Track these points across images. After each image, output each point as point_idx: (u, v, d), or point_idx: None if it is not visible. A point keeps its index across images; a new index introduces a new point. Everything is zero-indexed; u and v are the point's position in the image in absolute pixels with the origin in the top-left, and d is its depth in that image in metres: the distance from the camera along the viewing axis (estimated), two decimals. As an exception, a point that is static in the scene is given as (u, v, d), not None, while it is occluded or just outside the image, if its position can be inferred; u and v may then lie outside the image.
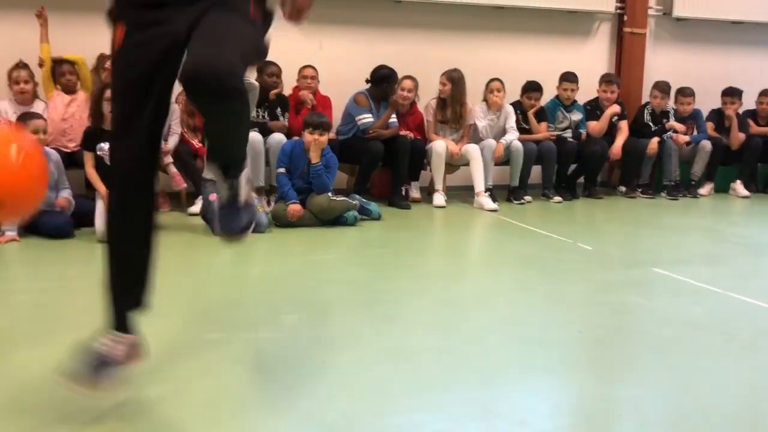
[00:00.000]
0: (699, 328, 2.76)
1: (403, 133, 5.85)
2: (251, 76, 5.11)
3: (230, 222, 1.90)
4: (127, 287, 1.95)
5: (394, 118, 5.83)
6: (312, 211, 4.78)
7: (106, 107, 4.42)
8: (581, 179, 6.54)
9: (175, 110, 5.47)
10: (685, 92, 6.71)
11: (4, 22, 5.48)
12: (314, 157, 4.75)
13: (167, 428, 1.87)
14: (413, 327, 2.72)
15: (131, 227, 1.92)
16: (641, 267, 3.80)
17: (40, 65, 5.13)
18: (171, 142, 5.22)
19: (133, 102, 1.81)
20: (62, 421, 1.87)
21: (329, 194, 4.86)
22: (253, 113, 4.99)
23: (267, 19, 1.92)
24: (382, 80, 5.80)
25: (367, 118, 5.70)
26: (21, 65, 5.05)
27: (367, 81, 5.85)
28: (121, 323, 1.96)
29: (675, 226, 5.19)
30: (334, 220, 4.82)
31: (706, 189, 6.68)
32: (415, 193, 6.04)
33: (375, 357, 2.38)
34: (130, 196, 1.90)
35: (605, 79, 6.62)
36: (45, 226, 4.29)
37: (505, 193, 6.12)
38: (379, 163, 5.68)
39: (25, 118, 4.38)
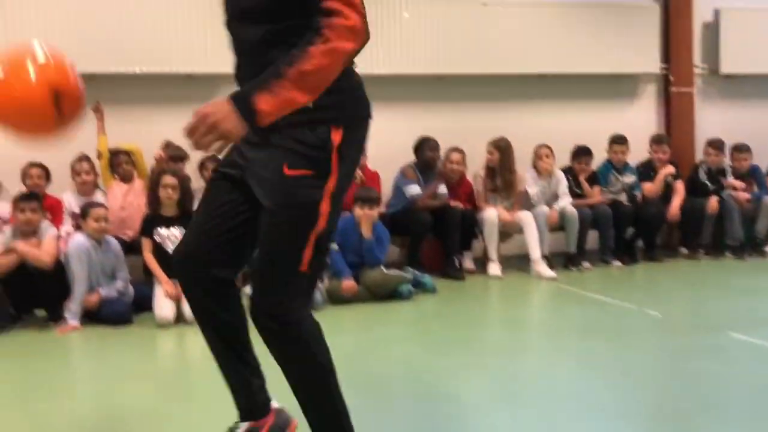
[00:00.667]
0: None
1: (453, 203, 5.84)
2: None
3: None
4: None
5: (443, 189, 5.84)
6: (366, 285, 4.74)
7: (163, 193, 4.52)
8: (640, 243, 6.37)
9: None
10: (740, 149, 6.55)
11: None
12: (366, 232, 4.75)
13: None
14: (477, 404, 2.60)
15: None
16: (715, 332, 3.61)
17: (99, 157, 5.32)
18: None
19: None
20: None
21: (382, 268, 4.83)
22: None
23: (315, 156, 1.69)
24: (418, 148, 5.88)
25: (414, 189, 5.73)
26: (83, 158, 5.25)
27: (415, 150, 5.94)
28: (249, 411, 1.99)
29: (746, 288, 4.96)
30: (389, 294, 4.76)
31: (773, 247, 6.42)
32: (468, 264, 5.96)
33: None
34: None
35: (655, 140, 6.53)
36: (105, 314, 4.36)
37: (562, 260, 5.98)
38: (428, 233, 5.65)
39: (87, 207, 4.51)
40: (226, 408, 2.29)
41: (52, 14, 5.58)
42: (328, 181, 1.69)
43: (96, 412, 2.75)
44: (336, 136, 1.69)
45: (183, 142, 5.60)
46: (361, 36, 1.59)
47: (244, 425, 2.00)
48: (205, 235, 1.84)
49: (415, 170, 5.86)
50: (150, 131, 5.70)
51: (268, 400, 2.04)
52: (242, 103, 1.55)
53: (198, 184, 5.59)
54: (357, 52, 1.61)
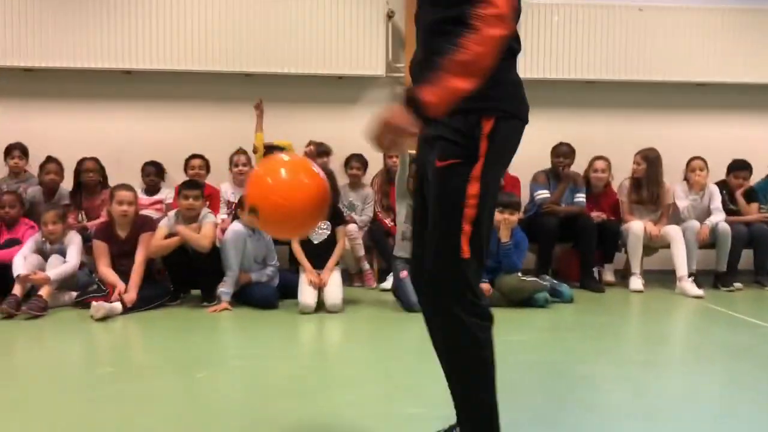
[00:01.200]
0: None
1: (594, 214, 5.69)
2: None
3: None
4: None
5: (581, 197, 5.70)
6: (501, 290, 4.73)
7: None
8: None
9: (369, 194, 5.79)
10: None
11: (226, 114, 6.19)
12: (504, 236, 4.75)
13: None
14: (617, 417, 2.55)
15: None
16: None
17: (255, 151, 5.68)
18: (360, 220, 5.57)
19: None
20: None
21: (519, 274, 4.80)
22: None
23: (464, 144, 1.75)
24: (560, 155, 5.78)
25: (543, 194, 5.65)
26: (241, 151, 5.66)
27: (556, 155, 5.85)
28: None
29: None
30: (524, 301, 4.73)
31: None
32: (608, 276, 5.78)
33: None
34: None
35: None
36: (253, 297, 4.66)
37: (710, 279, 5.66)
38: (555, 240, 5.53)
39: (244, 198, 4.82)
40: (360, 392, 2.40)
41: (212, 19, 6.04)
42: (475, 166, 1.72)
43: (244, 383, 2.96)
44: (486, 125, 1.73)
45: (328, 139, 5.92)
46: (509, 23, 1.64)
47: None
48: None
49: (548, 176, 5.78)
50: (300, 129, 6.03)
51: None
52: (411, 98, 1.63)
53: (343, 180, 5.87)
54: (506, 38, 1.65)
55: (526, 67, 6.15)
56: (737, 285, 5.55)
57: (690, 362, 3.55)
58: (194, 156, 5.72)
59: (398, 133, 1.65)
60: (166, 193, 5.75)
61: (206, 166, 5.72)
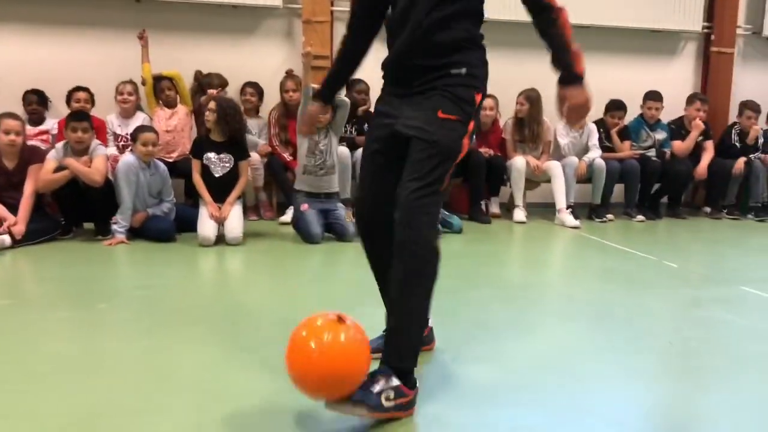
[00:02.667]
0: (793, 345, 2.76)
1: (482, 150, 5.97)
2: (342, 93, 5.34)
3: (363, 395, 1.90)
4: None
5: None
6: (397, 222, 4.93)
7: (209, 116, 4.69)
8: (665, 199, 6.48)
9: (264, 124, 5.78)
10: (780, 109, 6.60)
11: (110, 44, 5.92)
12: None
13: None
14: (506, 333, 2.82)
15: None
16: (729, 285, 3.78)
17: (143, 83, 5.51)
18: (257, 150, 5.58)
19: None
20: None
21: (413, 207, 5.00)
22: (342, 129, 5.20)
23: (465, 109, 2.12)
24: None
25: None
26: (127, 81, 5.48)
27: None
28: None
29: (763, 247, 5.10)
30: (418, 232, 4.95)
31: (796, 211, 6.51)
32: (495, 209, 6.13)
33: (472, 359, 2.50)
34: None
35: (699, 98, 6.55)
36: (151, 230, 4.62)
37: (586, 210, 6.13)
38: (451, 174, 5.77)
39: (137, 131, 4.71)
40: (256, 319, 2.51)
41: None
42: (468, 126, 2.13)
43: (148, 311, 3.00)
44: (478, 98, 2.16)
45: (222, 69, 5.82)
46: None
47: None
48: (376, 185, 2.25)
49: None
50: (194, 59, 5.88)
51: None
52: (579, 78, 2.05)
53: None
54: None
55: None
56: (609, 216, 6.05)
57: (566, 284, 3.91)
58: (78, 88, 5.46)
59: (589, 103, 2.07)
60: (51, 124, 5.50)
61: (91, 99, 5.48)
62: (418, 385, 2.05)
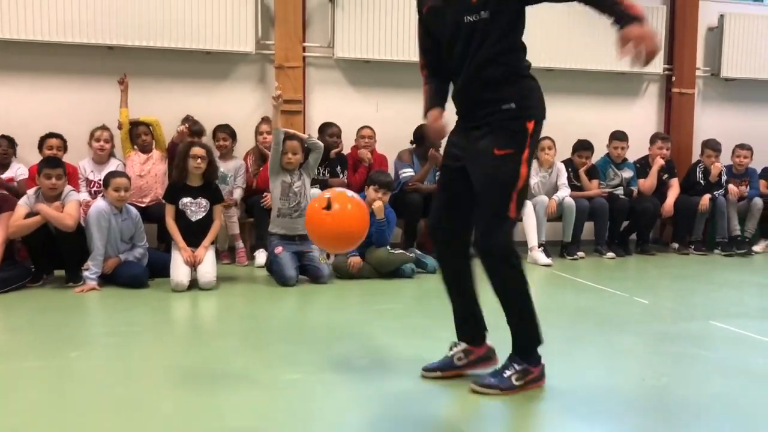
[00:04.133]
0: (763, 380, 2.81)
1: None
2: (315, 136, 5.41)
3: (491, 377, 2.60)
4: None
5: (440, 175, 5.98)
6: (371, 263, 4.96)
7: (192, 163, 4.71)
8: (633, 236, 6.61)
9: (241, 165, 5.80)
10: (743, 146, 6.81)
11: (83, 91, 5.95)
12: (379, 213, 4.94)
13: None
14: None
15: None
16: (699, 320, 3.85)
17: (120, 128, 5.52)
18: (236, 195, 5.60)
19: None
20: None
21: (387, 248, 5.05)
22: (315, 171, 5.24)
23: (518, 139, 2.43)
24: (423, 137, 5.99)
25: (407, 172, 5.88)
26: (103, 127, 5.47)
27: (411, 142, 6.07)
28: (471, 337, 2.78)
29: (731, 282, 5.21)
30: (392, 272, 4.99)
31: (760, 246, 6.67)
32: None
33: (447, 394, 2.51)
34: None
35: (660, 137, 6.74)
36: (122, 276, 4.58)
37: (557, 249, 6.22)
38: (420, 216, 5.81)
39: (110, 177, 4.70)
40: (231, 363, 2.51)
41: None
42: (523, 154, 2.42)
43: (112, 363, 2.97)
44: (530, 126, 2.43)
45: (197, 114, 5.87)
46: None
47: (462, 344, 2.75)
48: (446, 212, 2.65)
49: (412, 155, 6.03)
50: (168, 104, 5.93)
51: (485, 335, 2.78)
52: (635, 18, 2.12)
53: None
54: None
55: (397, 50, 6.40)
56: (580, 254, 6.14)
57: (540, 322, 3.94)
58: (51, 135, 5.42)
59: (653, 35, 2.10)
60: (16, 169, 5.46)
61: (64, 146, 5.45)
62: (543, 361, 2.62)
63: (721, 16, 7.37)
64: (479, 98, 2.47)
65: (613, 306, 4.22)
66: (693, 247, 6.61)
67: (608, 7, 2.20)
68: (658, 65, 7.19)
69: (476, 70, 2.44)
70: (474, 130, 2.49)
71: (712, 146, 6.75)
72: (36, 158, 5.20)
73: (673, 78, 7.32)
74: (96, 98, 5.86)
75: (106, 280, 4.59)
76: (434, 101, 2.69)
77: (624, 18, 2.14)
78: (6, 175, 5.41)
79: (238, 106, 6.28)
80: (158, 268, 4.76)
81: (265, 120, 5.91)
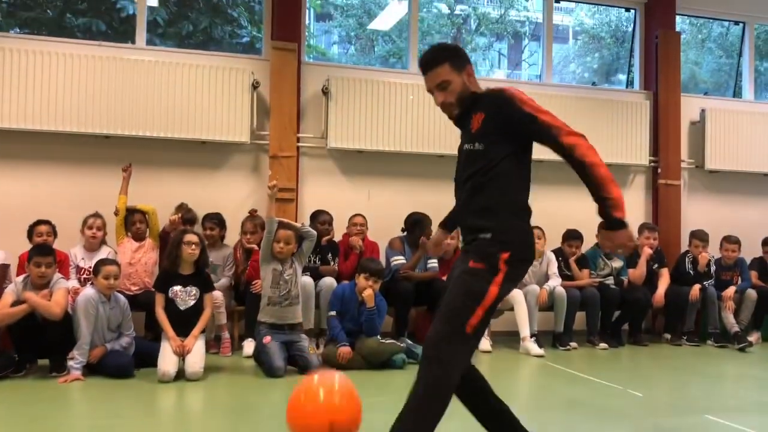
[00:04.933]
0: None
1: (444, 278, 6.03)
2: (307, 224, 5.46)
3: None
4: None
5: (434, 263, 6.00)
6: (362, 353, 4.90)
7: (186, 250, 4.72)
8: (626, 326, 6.57)
9: (230, 254, 5.81)
10: (730, 240, 6.83)
11: (77, 178, 6.03)
12: (370, 302, 4.92)
13: None
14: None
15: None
16: (694, 414, 3.79)
17: (116, 214, 5.54)
18: (221, 284, 5.55)
19: None
20: None
21: (378, 337, 5.00)
22: (307, 259, 5.25)
23: (491, 261, 2.42)
24: (414, 225, 6.03)
25: (398, 260, 5.88)
26: (96, 215, 5.49)
27: (403, 230, 6.11)
28: None
29: (726, 374, 5.16)
30: (383, 362, 4.92)
31: (754, 337, 6.62)
32: (460, 338, 6.11)
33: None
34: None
35: (647, 227, 6.82)
36: (108, 366, 4.49)
37: (549, 338, 6.17)
38: (411, 304, 5.78)
39: (100, 264, 4.69)
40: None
41: (78, 79, 5.94)
42: (497, 276, 2.40)
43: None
44: (504, 256, 2.42)
45: (190, 204, 5.90)
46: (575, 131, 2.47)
47: None
48: None
49: (403, 242, 6.05)
50: (163, 193, 5.98)
51: None
52: (618, 223, 2.38)
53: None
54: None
55: (388, 141, 6.55)
56: (573, 344, 6.09)
57: (532, 417, 3.85)
58: (40, 222, 5.41)
59: (631, 236, 2.40)
60: (1, 256, 5.41)
61: (53, 232, 5.45)
62: None
63: (703, 111, 7.61)
64: (464, 223, 2.61)
65: (607, 398, 4.15)
66: (685, 337, 6.57)
67: (598, 199, 2.36)
68: (643, 157, 7.37)
69: (466, 197, 2.56)
70: (464, 254, 2.58)
71: (699, 236, 6.82)
72: (19, 244, 5.20)
73: (659, 170, 7.47)
74: (91, 185, 5.91)
75: (91, 369, 4.49)
76: (449, 217, 2.94)
77: (607, 219, 2.35)
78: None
79: (232, 195, 6.35)
80: (145, 358, 4.67)
81: (251, 216, 5.92)
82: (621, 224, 2.34)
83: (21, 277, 4.62)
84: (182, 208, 5.78)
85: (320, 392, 2.60)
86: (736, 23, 8.34)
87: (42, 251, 4.64)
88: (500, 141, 2.49)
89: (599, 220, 7.30)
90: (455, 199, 2.71)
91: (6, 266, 5.31)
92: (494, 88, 2.58)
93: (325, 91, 6.57)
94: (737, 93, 8.26)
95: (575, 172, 2.43)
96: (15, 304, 4.41)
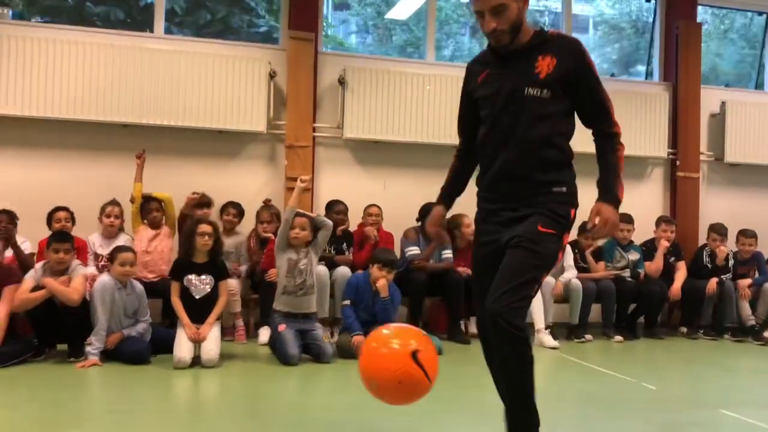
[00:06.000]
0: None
1: (460, 269, 6.02)
2: (322, 214, 5.48)
3: None
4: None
5: (448, 254, 6.00)
6: (375, 343, 4.90)
7: (200, 241, 4.76)
8: (641, 319, 6.53)
9: (243, 242, 5.84)
10: (747, 234, 6.75)
11: (100, 164, 6.08)
12: (383, 292, 4.94)
13: None
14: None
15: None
16: (708, 408, 3.77)
17: (132, 201, 5.60)
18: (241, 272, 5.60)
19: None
20: None
21: (392, 327, 5.00)
22: (323, 249, 5.27)
23: (562, 223, 2.42)
24: (427, 214, 5.99)
25: (413, 251, 5.89)
26: (114, 202, 5.54)
27: (417, 220, 6.11)
28: None
29: (742, 369, 5.12)
30: (397, 353, 4.92)
31: (770, 332, 6.56)
32: (474, 329, 6.11)
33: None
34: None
35: (664, 220, 6.76)
36: (125, 352, 4.55)
37: (564, 331, 6.15)
38: (425, 294, 5.79)
39: (116, 251, 4.74)
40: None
41: (97, 68, 5.99)
42: (563, 238, 2.43)
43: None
44: (573, 213, 2.46)
45: (207, 192, 5.89)
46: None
47: None
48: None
49: (418, 233, 6.05)
50: (179, 181, 6.02)
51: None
52: (616, 201, 2.39)
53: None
54: None
55: (404, 131, 6.55)
56: (588, 337, 6.07)
57: (546, 408, 3.84)
58: (59, 208, 5.47)
59: (616, 225, 2.40)
60: (20, 243, 5.47)
61: (72, 218, 5.51)
62: None
63: (723, 103, 7.52)
64: (529, 177, 2.42)
65: (621, 392, 4.13)
66: (702, 331, 6.52)
67: (609, 174, 2.42)
68: (662, 149, 7.30)
69: (529, 148, 2.41)
70: (509, 212, 2.45)
71: (717, 230, 6.76)
72: (37, 231, 5.26)
73: (678, 162, 7.40)
74: (109, 173, 5.97)
75: (108, 355, 4.55)
76: (447, 191, 2.82)
77: (610, 194, 2.38)
78: (8, 254, 5.38)
79: (248, 184, 6.38)
80: (161, 344, 4.72)
81: (266, 206, 5.94)
82: (618, 205, 2.39)
83: (40, 263, 4.68)
84: (197, 193, 5.80)
85: (401, 329, 2.66)
86: (760, 14, 8.22)
87: (60, 237, 4.69)
88: (565, 93, 2.41)
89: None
90: (484, 150, 2.53)
91: (32, 255, 5.38)
92: (565, 34, 2.54)
93: (342, 81, 6.57)
94: (759, 85, 8.15)
95: (599, 153, 2.47)
96: (35, 289, 4.47)
